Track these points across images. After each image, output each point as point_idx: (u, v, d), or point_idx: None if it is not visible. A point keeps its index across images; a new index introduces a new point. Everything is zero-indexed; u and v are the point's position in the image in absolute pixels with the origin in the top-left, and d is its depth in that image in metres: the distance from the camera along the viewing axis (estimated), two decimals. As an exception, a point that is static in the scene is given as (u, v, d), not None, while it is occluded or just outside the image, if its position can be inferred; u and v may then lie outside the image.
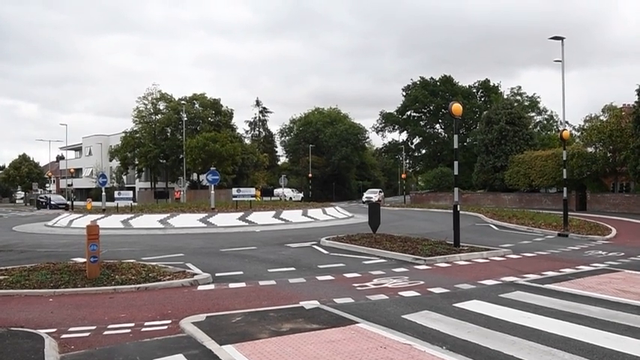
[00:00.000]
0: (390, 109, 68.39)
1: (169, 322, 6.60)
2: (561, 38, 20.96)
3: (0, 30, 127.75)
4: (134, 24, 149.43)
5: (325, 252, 13.40)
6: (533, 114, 60.87)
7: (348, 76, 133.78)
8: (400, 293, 8.12)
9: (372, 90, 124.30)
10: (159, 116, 60.68)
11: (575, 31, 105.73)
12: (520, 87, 63.84)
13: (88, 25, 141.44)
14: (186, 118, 56.65)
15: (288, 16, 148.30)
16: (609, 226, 19.15)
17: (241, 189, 29.00)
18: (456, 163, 13.75)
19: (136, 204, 33.14)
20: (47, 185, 78.50)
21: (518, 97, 61.75)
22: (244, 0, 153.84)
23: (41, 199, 54.20)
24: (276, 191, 56.05)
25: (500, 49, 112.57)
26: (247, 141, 72.29)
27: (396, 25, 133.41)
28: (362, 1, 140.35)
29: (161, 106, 61.24)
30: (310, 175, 63.76)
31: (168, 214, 23.48)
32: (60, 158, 78.25)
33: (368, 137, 76.39)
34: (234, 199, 27.04)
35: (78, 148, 79.63)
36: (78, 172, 77.18)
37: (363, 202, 47.40)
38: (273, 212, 24.78)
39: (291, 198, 53.88)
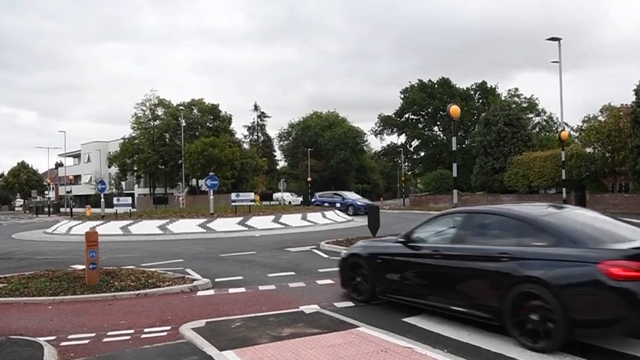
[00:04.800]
0: (388, 112, 68.61)
1: (169, 328, 6.57)
2: (558, 39, 21.09)
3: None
4: (131, 32, 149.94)
5: (325, 256, 13.36)
6: (531, 115, 61.02)
7: (345, 81, 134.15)
8: (400, 296, 8.08)
9: (369, 94, 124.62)
10: (157, 122, 60.76)
11: (567, 34, 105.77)
12: (517, 88, 64.13)
13: (86, 34, 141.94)
14: (184, 124, 56.70)
15: (283, 22, 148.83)
16: (609, 227, 19.12)
17: (240, 194, 28.99)
18: (454, 165, 13.77)
19: (135, 210, 33.12)
20: (46, 192, 78.43)
21: (516, 99, 61.93)
22: (239, 7, 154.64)
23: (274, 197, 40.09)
24: (276, 195, 56.01)
25: (494, 52, 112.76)
26: (246, 146, 72.36)
27: (389, 30, 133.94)
28: (355, 7, 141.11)
29: (159, 111, 61.35)
30: (309, 178, 63.76)
31: (168, 220, 23.44)
32: (59, 165, 78.17)
33: (366, 140, 76.59)
34: (233, 203, 27.02)
35: (77, 155, 79.73)
36: (77, 179, 77.16)
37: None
38: (273, 216, 24.75)
39: (290, 202, 53.83)
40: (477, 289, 6.11)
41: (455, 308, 6.36)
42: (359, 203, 34.25)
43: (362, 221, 22.32)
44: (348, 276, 8.14)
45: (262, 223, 23.50)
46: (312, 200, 37.83)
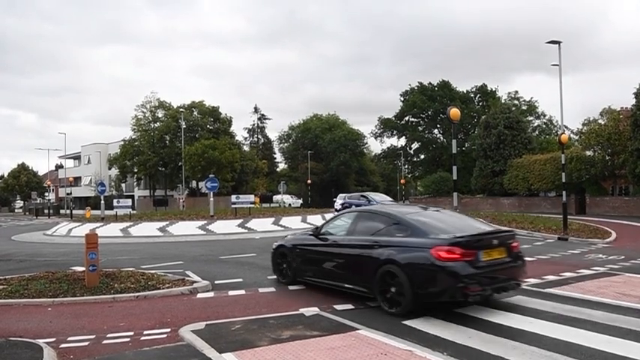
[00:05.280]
0: (388, 115, 68.62)
1: (169, 330, 6.56)
2: (558, 42, 21.06)
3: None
4: (131, 35, 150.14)
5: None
6: (531, 118, 61.03)
7: (344, 84, 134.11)
8: (400, 299, 8.08)
9: (369, 96, 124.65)
10: (157, 124, 60.71)
11: (567, 37, 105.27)
12: (517, 91, 64.11)
13: (86, 37, 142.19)
14: (184, 126, 56.68)
15: (283, 26, 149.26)
16: (609, 230, 19.13)
17: (240, 196, 28.95)
18: (454, 167, 13.78)
19: (135, 212, 33.11)
20: (46, 194, 78.38)
21: (516, 102, 61.94)
22: (239, 10, 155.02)
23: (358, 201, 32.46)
24: (275, 198, 55.97)
25: (492, 55, 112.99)
26: (246, 148, 72.36)
27: (389, 34, 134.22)
28: (354, 11, 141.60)
29: (160, 114, 61.30)
30: (309, 181, 63.73)
31: (168, 222, 23.44)
32: (59, 167, 78.07)
33: (366, 143, 76.51)
34: (233, 206, 27.00)
35: (77, 157, 79.62)
36: (77, 181, 77.15)
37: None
38: (273, 219, 24.73)
39: (290, 204, 53.80)
40: (360, 270, 7.76)
41: (347, 286, 8.07)
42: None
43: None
44: (277, 263, 9.93)
45: (262, 225, 23.48)
46: (341, 203, 33.70)
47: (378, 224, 7.99)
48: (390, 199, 36.69)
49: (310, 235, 9.36)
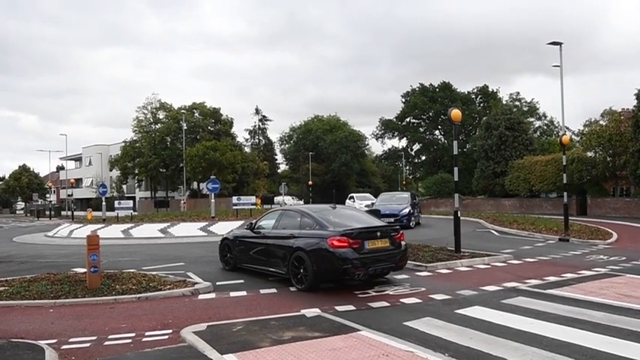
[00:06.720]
0: (389, 116, 68.57)
1: (170, 331, 6.57)
2: (559, 43, 21.11)
3: (1, 44, 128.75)
4: (132, 37, 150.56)
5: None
6: (532, 119, 60.94)
7: (345, 85, 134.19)
8: (401, 300, 8.10)
9: (369, 98, 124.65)
10: (158, 125, 60.77)
11: (567, 39, 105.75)
12: (518, 92, 64.10)
13: (87, 39, 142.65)
14: (186, 127, 56.72)
15: (283, 28, 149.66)
16: (610, 231, 19.10)
17: (241, 197, 28.95)
18: (455, 169, 13.73)
19: (136, 213, 33.13)
20: (47, 195, 78.46)
21: (517, 103, 61.88)
22: (240, 12, 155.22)
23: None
24: (277, 199, 56.01)
25: (493, 56, 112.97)
26: (247, 149, 72.38)
27: (389, 36, 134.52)
28: (353, 13, 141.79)
29: (161, 115, 61.35)
30: (310, 182, 63.73)
31: (169, 223, 23.45)
32: (60, 168, 78.26)
33: (367, 144, 76.49)
34: (234, 207, 27.00)
35: (78, 159, 79.74)
36: (78, 182, 77.18)
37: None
38: (274, 220, 24.66)
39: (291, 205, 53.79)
40: (280, 257, 9.60)
41: (271, 270, 9.95)
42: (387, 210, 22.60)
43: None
44: (222, 253, 11.85)
45: (263, 226, 23.40)
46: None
47: (295, 220, 9.85)
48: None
49: (247, 229, 11.21)
